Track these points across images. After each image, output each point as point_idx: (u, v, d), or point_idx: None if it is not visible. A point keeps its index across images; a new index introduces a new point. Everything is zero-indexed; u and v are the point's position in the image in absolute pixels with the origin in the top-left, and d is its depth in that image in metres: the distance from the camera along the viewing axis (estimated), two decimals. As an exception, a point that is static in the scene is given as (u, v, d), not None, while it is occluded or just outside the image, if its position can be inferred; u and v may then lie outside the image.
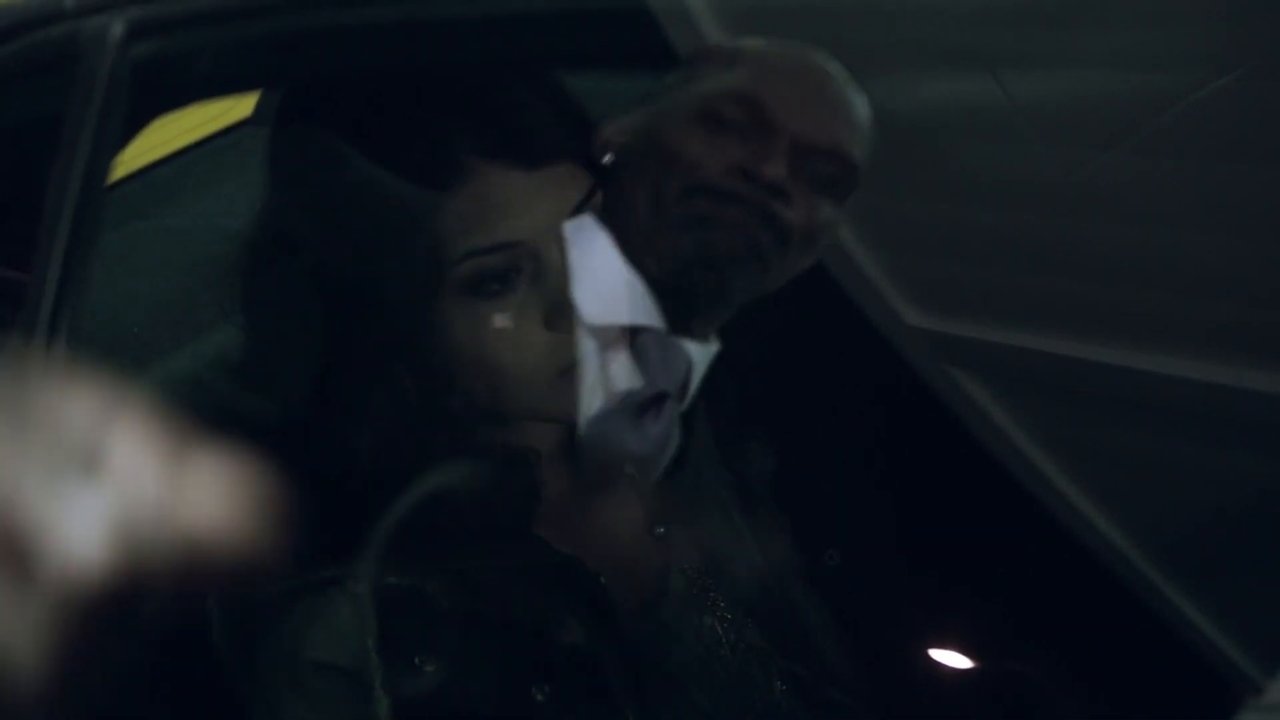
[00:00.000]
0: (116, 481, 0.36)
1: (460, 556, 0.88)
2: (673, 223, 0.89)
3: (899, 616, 1.03)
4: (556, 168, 0.89)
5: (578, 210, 0.89)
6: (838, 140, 0.91)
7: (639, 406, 0.89)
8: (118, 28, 0.86)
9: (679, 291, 0.90)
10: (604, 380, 0.90)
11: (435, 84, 0.93)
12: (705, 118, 0.91)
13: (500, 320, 0.87)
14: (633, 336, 0.90)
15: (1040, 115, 0.92)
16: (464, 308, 0.87)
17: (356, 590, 0.87)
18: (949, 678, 1.05)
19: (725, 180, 0.89)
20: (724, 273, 0.90)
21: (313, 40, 0.98)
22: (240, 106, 1.53)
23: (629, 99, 0.96)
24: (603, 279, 0.89)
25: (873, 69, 0.92)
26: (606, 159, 0.93)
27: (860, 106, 0.92)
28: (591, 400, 0.89)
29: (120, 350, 1.40)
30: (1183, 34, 0.83)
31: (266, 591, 0.87)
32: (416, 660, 0.86)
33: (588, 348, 0.89)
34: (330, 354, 0.92)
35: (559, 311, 0.87)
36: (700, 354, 0.93)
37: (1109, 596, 1.12)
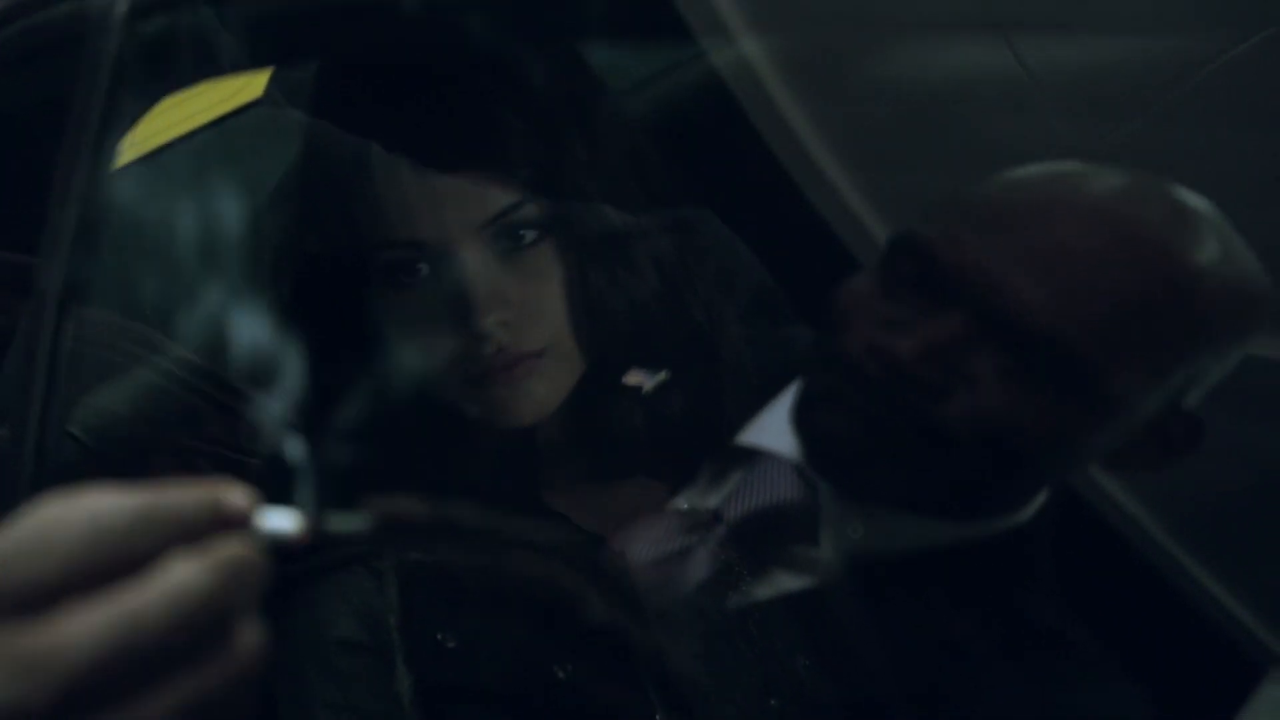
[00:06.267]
0: None
1: (483, 534, 0.88)
2: (812, 388, 0.78)
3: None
4: (477, 174, 0.85)
5: (497, 222, 0.84)
6: (1058, 319, 0.67)
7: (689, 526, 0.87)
8: (122, 5, 0.85)
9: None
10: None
11: (388, 69, 0.91)
12: (884, 268, 0.75)
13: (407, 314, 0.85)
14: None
15: (1057, 84, 0.91)
16: (383, 293, 0.87)
17: (379, 567, 0.88)
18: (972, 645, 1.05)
19: (860, 355, 0.74)
20: (838, 459, 0.79)
21: (318, 17, 0.98)
22: (251, 87, 1.52)
23: (636, 76, 0.94)
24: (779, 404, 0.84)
25: (885, 37, 0.91)
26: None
27: (1193, 275, 0.65)
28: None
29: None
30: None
31: (289, 570, 0.88)
32: (439, 637, 0.87)
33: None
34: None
35: (462, 319, 0.84)
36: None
37: (1128, 568, 1.11)
